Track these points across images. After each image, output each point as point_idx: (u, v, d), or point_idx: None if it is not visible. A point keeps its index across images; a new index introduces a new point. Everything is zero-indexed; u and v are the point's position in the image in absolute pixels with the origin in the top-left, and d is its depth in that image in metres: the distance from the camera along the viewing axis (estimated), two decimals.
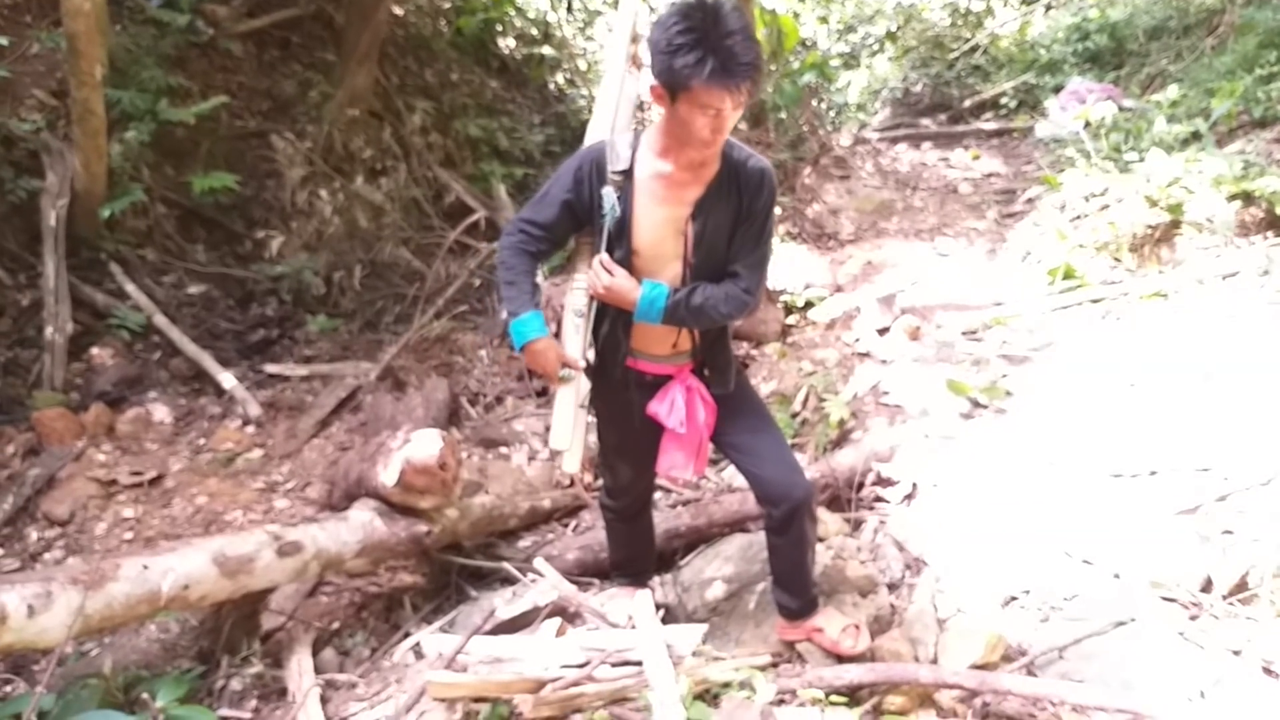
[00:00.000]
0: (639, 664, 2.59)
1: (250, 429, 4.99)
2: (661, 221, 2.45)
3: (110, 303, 5.54)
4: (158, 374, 5.39)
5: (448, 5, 8.96)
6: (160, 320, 5.52)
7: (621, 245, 2.47)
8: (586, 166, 2.46)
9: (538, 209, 2.55)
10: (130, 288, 5.63)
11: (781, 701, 2.53)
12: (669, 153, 2.38)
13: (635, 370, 2.69)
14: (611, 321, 2.61)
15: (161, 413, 5.05)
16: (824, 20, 11.03)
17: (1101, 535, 3.07)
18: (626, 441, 2.87)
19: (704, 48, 2.05)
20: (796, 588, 2.90)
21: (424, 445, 3.20)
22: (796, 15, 10.29)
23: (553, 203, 2.51)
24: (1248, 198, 4.59)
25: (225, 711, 2.74)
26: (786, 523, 2.72)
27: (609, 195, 2.42)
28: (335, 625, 3.39)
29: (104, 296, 5.56)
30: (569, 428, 2.57)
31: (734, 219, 2.44)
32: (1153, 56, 8.58)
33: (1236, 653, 2.58)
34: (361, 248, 6.59)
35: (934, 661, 2.90)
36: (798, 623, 2.95)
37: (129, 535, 4.06)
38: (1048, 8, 11.46)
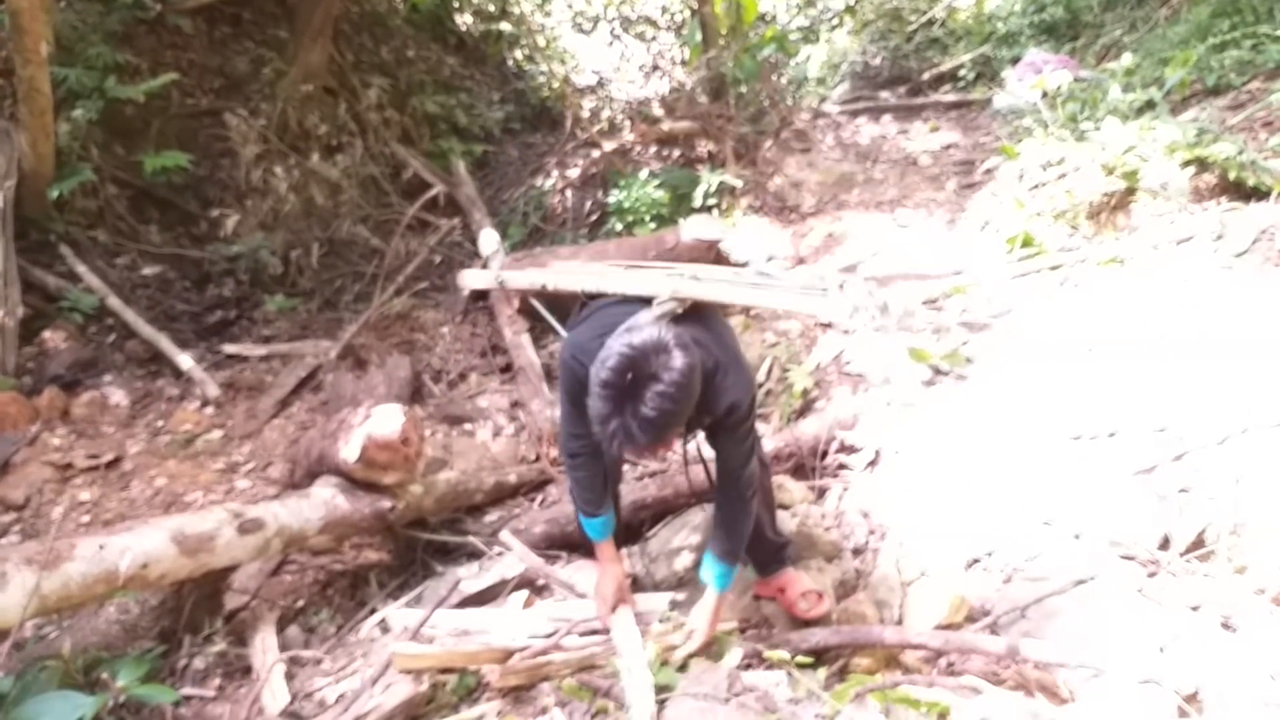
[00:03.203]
0: (606, 632, 2.60)
1: (209, 410, 4.92)
2: None
3: (62, 285, 5.42)
4: (113, 357, 5.29)
5: None
6: (114, 302, 5.41)
7: None
8: (574, 391, 2.51)
9: (570, 420, 2.69)
10: (82, 269, 5.51)
11: (749, 665, 2.55)
12: None
13: None
14: None
15: (117, 395, 4.96)
16: None
17: (1061, 496, 3.11)
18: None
19: (613, 410, 2.10)
20: (752, 538, 2.94)
21: (386, 420, 3.17)
22: None
23: (570, 416, 2.66)
24: (1202, 164, 4.64)
25: (188, 690, 2.71)
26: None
27: None
28: (300, 603, 3.36)
29: (55, 279, 5.44)
30: None
31: (709, 420, 2.55)
32: (1108, 27, 8.63)
33: (1195, 608, 2.63)
34: (319, 226, 6.49)
35: (899, 623, 2.94)
36: (766, 579, 3.08)
37: (86, 518, 3.99)
38: None
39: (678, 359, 2.11)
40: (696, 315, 2.60)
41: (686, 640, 2.61)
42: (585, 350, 2.41)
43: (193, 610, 2.93)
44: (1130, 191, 4.79)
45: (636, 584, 3.20)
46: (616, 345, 2.13)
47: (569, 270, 3.15)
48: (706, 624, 2.63)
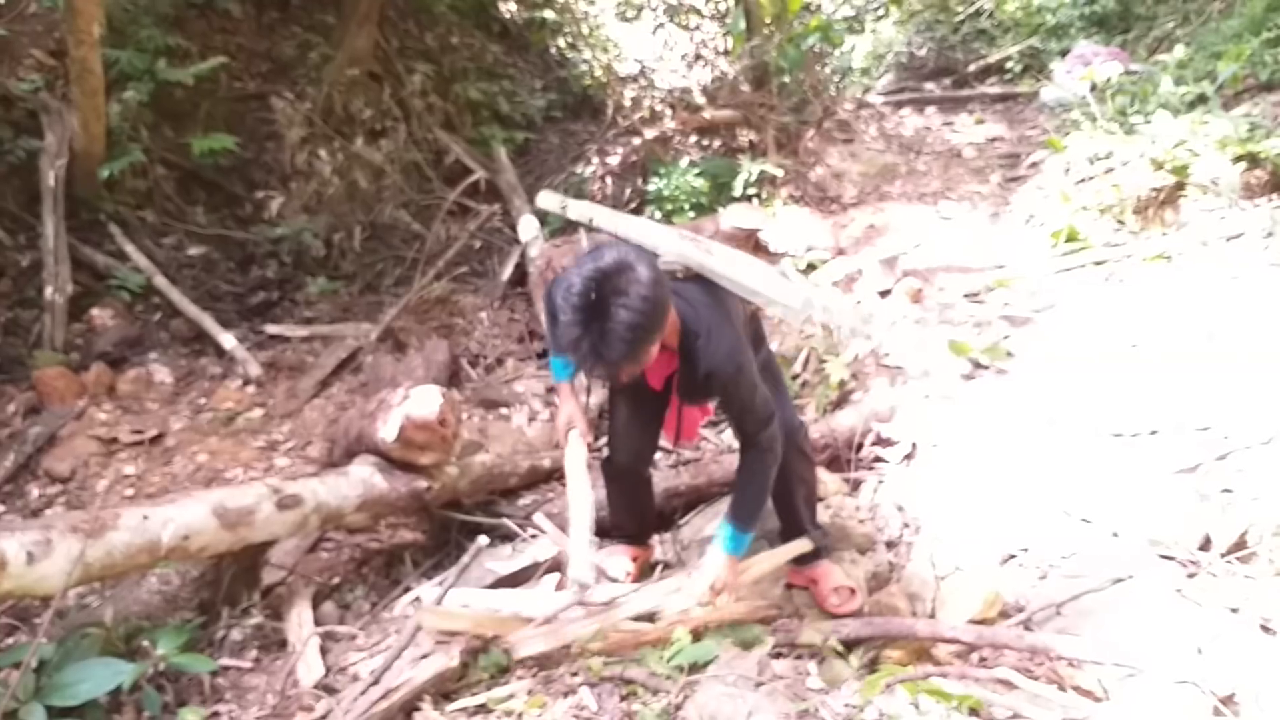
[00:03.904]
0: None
1: (251, 389, 4.99)
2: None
3: (110, 264, 5.53)
4: (158, 335, 5.39)
5: None
6: (160, 281, 5.51)
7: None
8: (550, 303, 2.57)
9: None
10: (130, 249, 5.61)
11: (779, 654, 2.55)
12: None
13: None
14: None
15: (162, 373, 5.06)
16: None
17: (1101, 494, 3.07)
18: (637, 409, 2.95)
19: (580, 332, 2.08)
20: (790, 527, 3.03)
21: (424, 401, 3.20)
22: None
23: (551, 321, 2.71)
24: (1253, 160, 4.55)
25: (226, 661, 2.76)
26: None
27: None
28: (336, 580, 3.40)
29: (104, 257, 5.55)
30: (587, 556, 2.65)
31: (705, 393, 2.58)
32: (1160, 19, 8.48)
33: (1234, 610, 2.58)
34: (361, 210, 6.55)
35: (931, 617, 2.91)
36: (800, 568, 3.06)
37: (130, 492, 4.08)
38: None
39: (642, 274, 2.11)
40: (701, 279, 2.58)
41: (674, 593, 2.63)
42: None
43: (231, 583, 2.99)
44: (1179, 186, 4.70)
45: (669, 572, 3.21)
46: (581, 269, 2.13)
47: (615, 217, 3.25)
48: (703, 582, 2.62)
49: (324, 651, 2.75)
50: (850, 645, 2.60)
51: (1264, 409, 3.05)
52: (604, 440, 3.59)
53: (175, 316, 5.48)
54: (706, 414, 3.05)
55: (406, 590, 3.23)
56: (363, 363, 5.19)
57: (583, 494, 2.73)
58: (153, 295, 5.53)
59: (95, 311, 5.29)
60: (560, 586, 2.99)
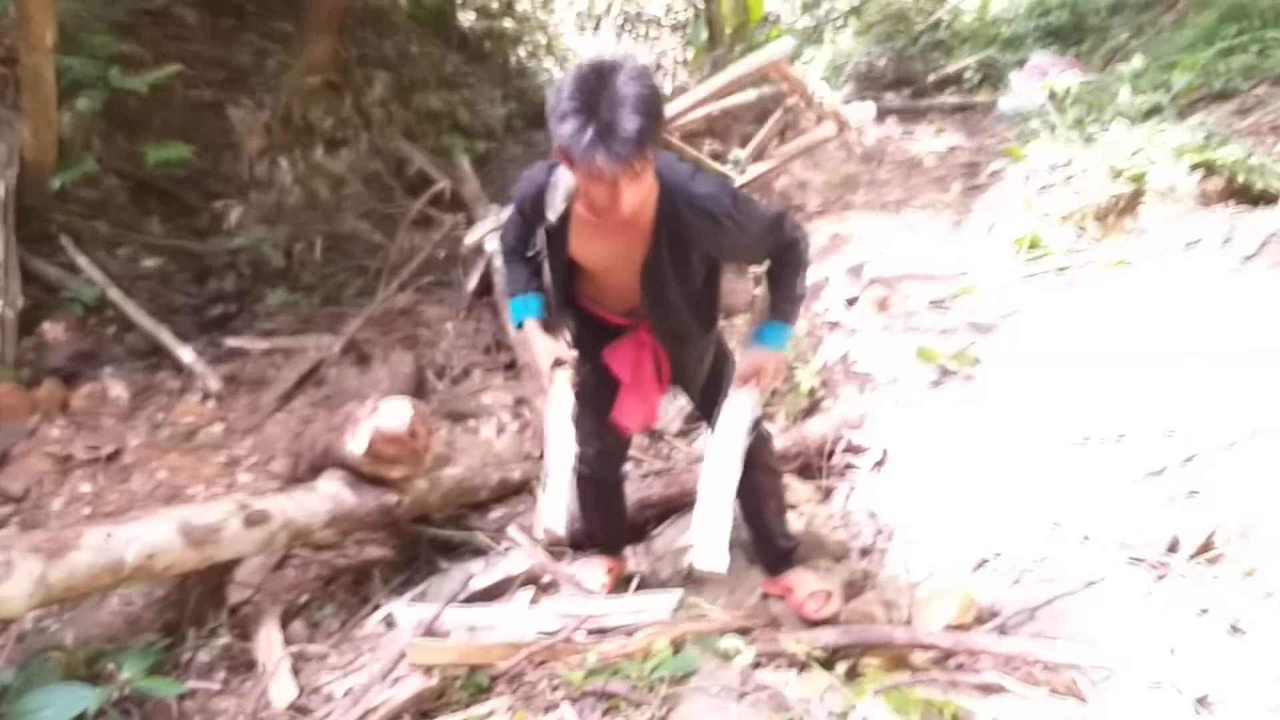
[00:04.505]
0: (615, 629, 2.58)
1: (211, 403, 4.90)
2: (603, 254, 2.44)
3: (62, 276, 5.40)
4: (113, 349, 5.27)
5: None
6: (114, 294, 5.39)
7: (559, 269, 2.52)
8: (526, 204, 2.50)
9: (510, 232, 2.68)
10: (82, 261, 5.49)
11: (758, 665, 2.53)
12: (593, 210, 2.30)
13: (596, 316, 2.72)
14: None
15: (117, 388, 4.94)
16: None
17: (1070, 498, 3.09)
18: (599, 403, 2.85)
19: (586, 117, 1.96)
20: (760, 541, 3.02)
21: (394, 414, 3.15)
22: None
23: (515, 225, 2.64)
24: (1209, 168, 4.63)
25: (193, 683, 2.69)
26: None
27: (540, 238, 2.48)
28: (303, 598, 3.33)
29: (55, 270, 5.42)
30: (561, 502, 2.56)
31: (694, 256, 2.39)
32: (1113, 31, 8.64)
33: (1204, 611, 2.61)
34: (322, 220, 6.48)
35: (908, 624, 2.92)
36: (774, 578, 3.05)
37: (87, 510, 3.98)
38: None
39: (636, 58, 2.06)
40: None
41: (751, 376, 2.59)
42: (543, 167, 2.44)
43: (197, 603, 2.91)
44: (1138, 194, 4.78)
45: (643, 584, 3.18)
46: (571, 71, 2.04)
47: None
48: (753, 370, 2.59)
49: (295, 671, 2.68)
50: (831, 654, 2.59)
51: (1227, 412, 3.10)
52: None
53: (130, 330, 5.36)
54: (664, 390, 2.86)
55: (377, 608, 3.16)
56: (325, 375, 5.11)
57: (564, 439, 2.60)
58: (106, 308, 5.41)
59: (47, 325, 5.16)
60: (535, 601, 2.96)
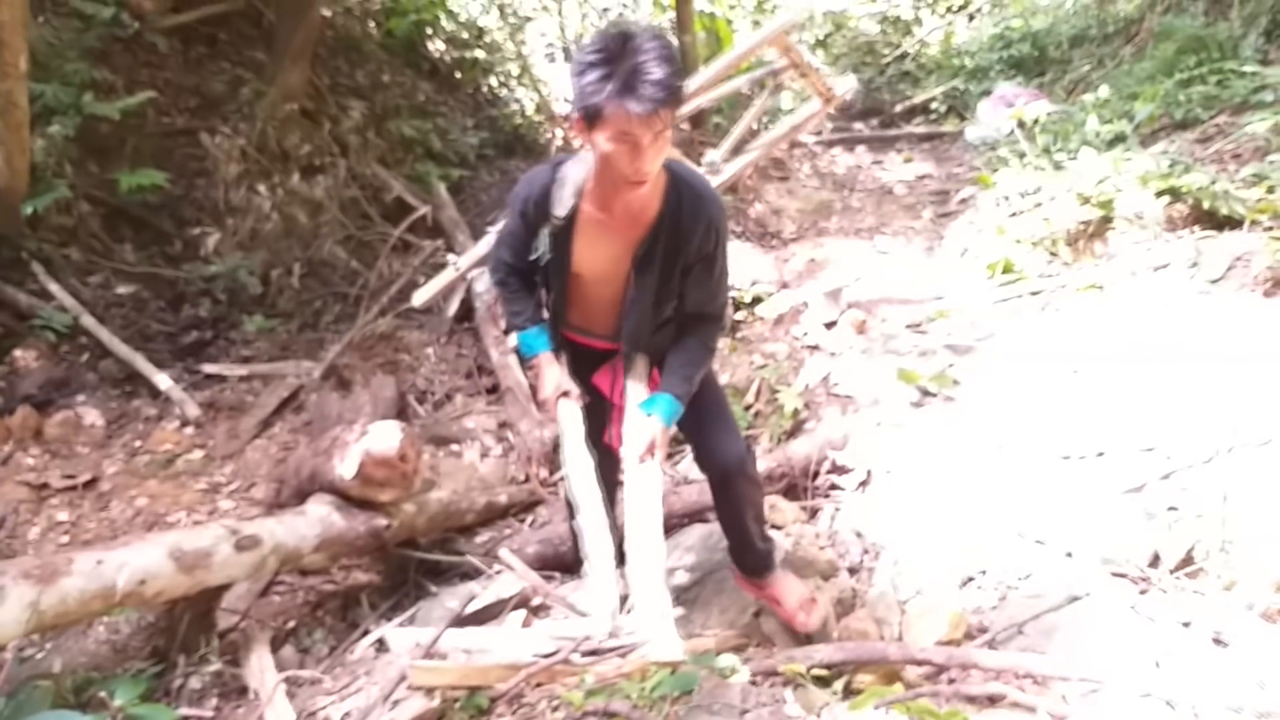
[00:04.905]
0: (609, 652, 2.58)
1: (189, 430, 4.84)
2: (603, 258, 2.46)
3: (34, 303, 5.31)
4: (86, 376, 5.18)
5: (377, 7, 8.85)
6: (88, 321, 5.31)
7: (560, 276, 2.52)
8: (530, 205, 2.48)
9: (506, 246, 2.64)
10: (54, 288, 5.41)
11: (754, 683, 2.54)
12: (606, 201, 2.34)
13: (580, 344, 2.77)
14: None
15: (92, 415, 4.87)
16: (758, 25, 11.17)
17: (1052, 515, 3.15)
18: (590, 423, 2.87)
19: (611, 66, 1.96)
20: (740, 547, 2.98)
21: (383, 437, 3.14)
22: (730, 22, 10.42)
23: (514, 234, 2.58)
24: (1174, 194, 4.77)
25: (185, 710, 2.65)
26: (722, 485, 2.80)
27: (543, 239, 2.46)
28: (291, 624, 3.30)
29: (27, 297, 5.33)
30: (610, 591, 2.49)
31: (680, 259, 2.41)
32: (1075, 63, 8.89)
33: (1186, 624, 2.67)
34: (299, 246, 6.43)
35: (899, 640, 2.95)
36: (754, 581, 3.04)
37: (65, 539, 3.91)
38: (970, 17, 11.81)
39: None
40: None
41: (649, 450, 2.49)
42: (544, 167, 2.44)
43: (187, 630, 2.87)
44: (1107, 220, 4.90)
45: (625, 604, 3.18)
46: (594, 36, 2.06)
47: None
48: (641, 442, 2.48)
49: (289, 696, 2.65)
50: (826, 670, 2.60)
51: (1204, 428, 3.18)
52: (560, 474, 3.56)
53: (104, 357, 5.28)
54: None
55: (366, 632, 3.14)
56: (305, 401, 5.07)
57: (594, 506, 2.52)
58: (80, 335, 5.32)
59: (18, 353, 5.07)
60: (526, 624, 2.95)
